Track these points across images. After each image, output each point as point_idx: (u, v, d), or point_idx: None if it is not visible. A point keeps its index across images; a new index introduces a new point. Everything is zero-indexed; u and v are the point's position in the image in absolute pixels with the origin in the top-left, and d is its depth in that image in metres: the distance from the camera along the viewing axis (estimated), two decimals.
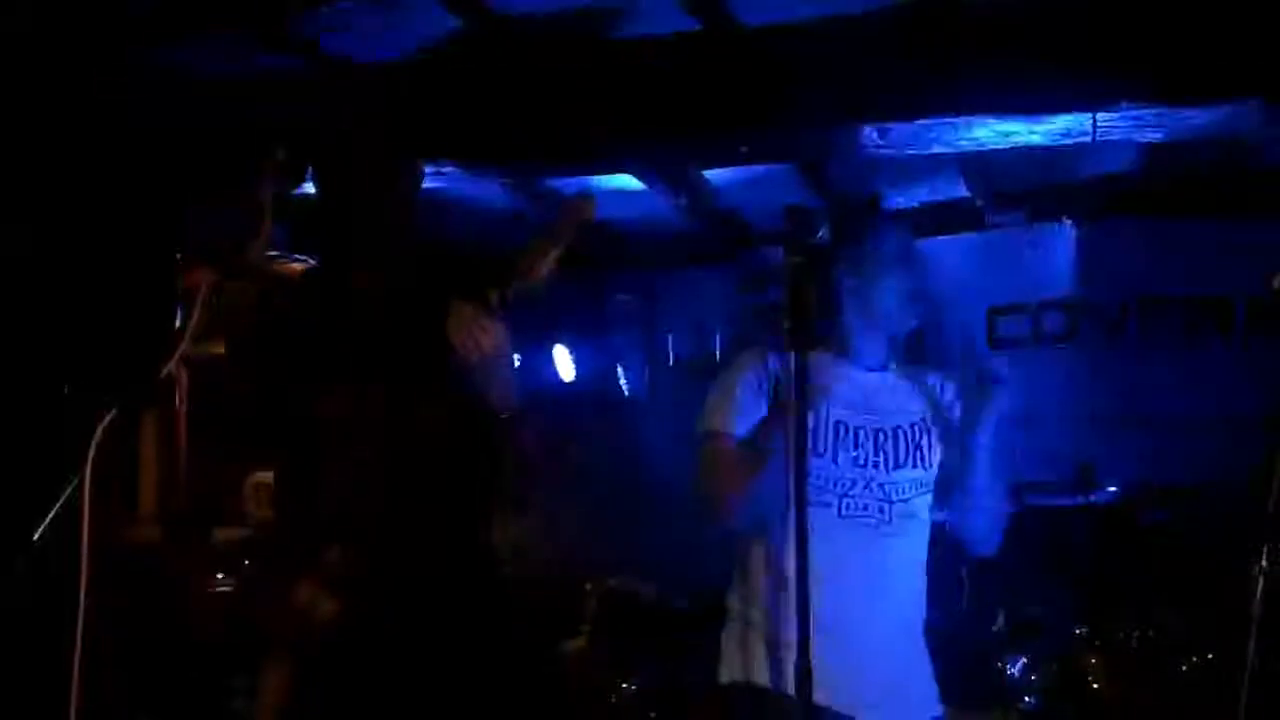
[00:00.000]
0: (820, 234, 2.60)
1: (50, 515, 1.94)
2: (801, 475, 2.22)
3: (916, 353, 2.78)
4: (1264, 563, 2.64)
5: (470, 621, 2.70)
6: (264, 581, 2.98)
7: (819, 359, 2.54)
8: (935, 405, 2.69)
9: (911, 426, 2.63)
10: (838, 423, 2.56)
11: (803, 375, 2.26)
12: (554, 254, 2.51)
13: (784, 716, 2.33)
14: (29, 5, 3.58)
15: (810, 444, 2.43)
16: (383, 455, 2.62)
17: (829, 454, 2.54)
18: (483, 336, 2.37)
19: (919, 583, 2.65)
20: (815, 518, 2.33)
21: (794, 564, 2.24)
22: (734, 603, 2.65)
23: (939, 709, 2.64)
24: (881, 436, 2.60)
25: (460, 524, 2.70)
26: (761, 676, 2.52)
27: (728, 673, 2.62)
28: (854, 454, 2.56)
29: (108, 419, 1.94)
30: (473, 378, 2.45)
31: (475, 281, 2.63)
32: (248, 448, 2.88)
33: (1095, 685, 4.18)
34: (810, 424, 2.44)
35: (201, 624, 4.39)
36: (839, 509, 2.54)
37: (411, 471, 2.62)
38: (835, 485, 2.54)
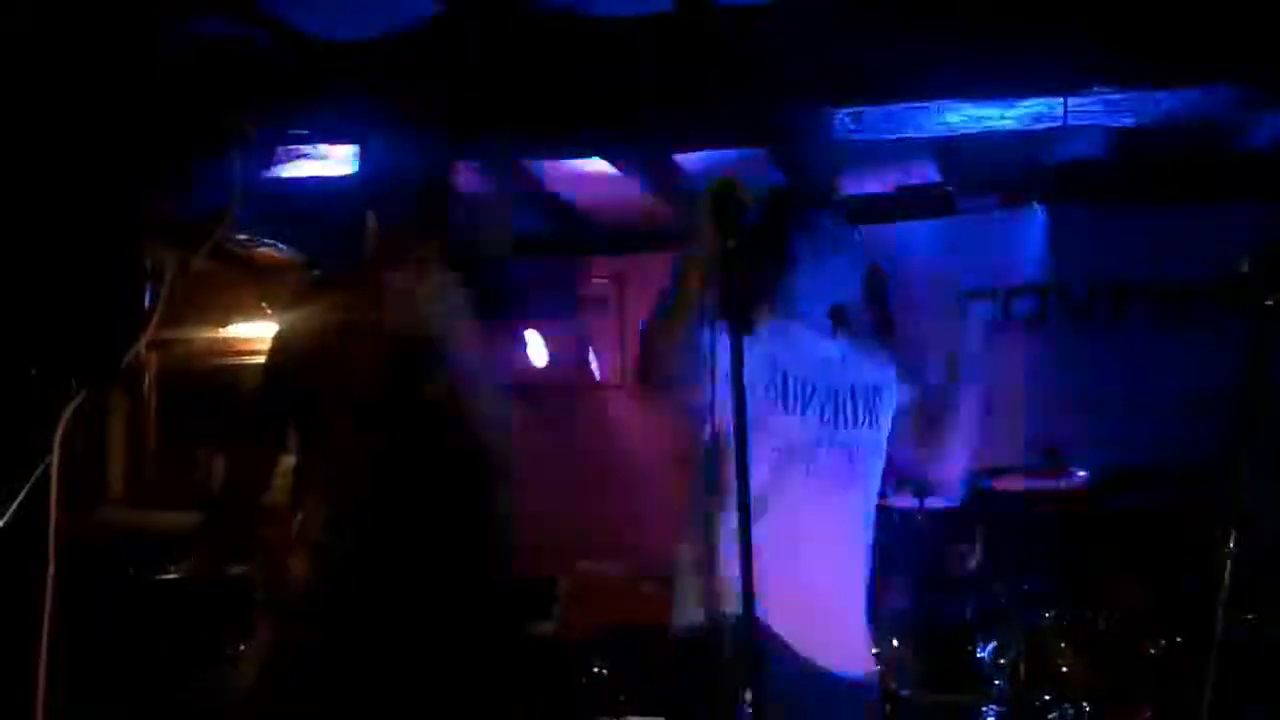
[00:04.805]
0: (750, 215, 2.50)
1: (16, 502, 1.91)
2: (742, 425, 2.21)
3: (883, 330, 2.83)
4: (1231, 545, 2.66)
5: (452, 596, 2.72)
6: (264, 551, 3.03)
7: (774, 323, 2.61)
8: (889, 372, 2.78)
9: (866, 388, 2.71)
10: (803, 382, 2.61)
11: (739, 359, 2.22)
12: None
13: (737, 642, 2.34)
14: None
15: (779, 402, 2.53)
16: (374, 432, 2.64)
17: (796, 412, 2.58)
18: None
19: (868, 537, 2.71)
20: (785, 474, 2.43)
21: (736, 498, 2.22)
22: (684, 552, 2.66)
23: (872, 664, 2.75)
24: (840, 396, 2.66)
25: (455, 503, 2.72)
26: (715, 606, 2.51)
27: (681, 616, 2.62)
28: (818, 413, 2.61)
29: (75, 403, 1.91)
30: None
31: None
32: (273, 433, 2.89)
33: (1065, 668, 4.21)
34: (778, 381, 2.55)
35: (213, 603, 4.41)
36: (807, 467, 2.57)
37: (410, 450, 2.64)
38: (803, 442, 2.58)
